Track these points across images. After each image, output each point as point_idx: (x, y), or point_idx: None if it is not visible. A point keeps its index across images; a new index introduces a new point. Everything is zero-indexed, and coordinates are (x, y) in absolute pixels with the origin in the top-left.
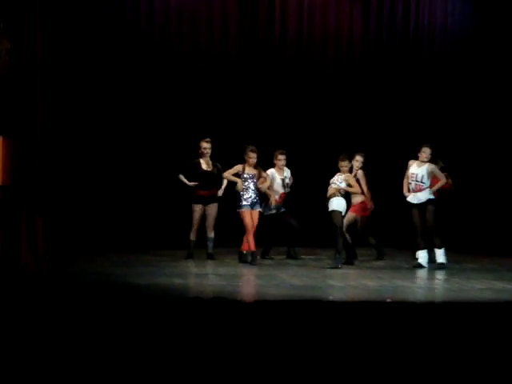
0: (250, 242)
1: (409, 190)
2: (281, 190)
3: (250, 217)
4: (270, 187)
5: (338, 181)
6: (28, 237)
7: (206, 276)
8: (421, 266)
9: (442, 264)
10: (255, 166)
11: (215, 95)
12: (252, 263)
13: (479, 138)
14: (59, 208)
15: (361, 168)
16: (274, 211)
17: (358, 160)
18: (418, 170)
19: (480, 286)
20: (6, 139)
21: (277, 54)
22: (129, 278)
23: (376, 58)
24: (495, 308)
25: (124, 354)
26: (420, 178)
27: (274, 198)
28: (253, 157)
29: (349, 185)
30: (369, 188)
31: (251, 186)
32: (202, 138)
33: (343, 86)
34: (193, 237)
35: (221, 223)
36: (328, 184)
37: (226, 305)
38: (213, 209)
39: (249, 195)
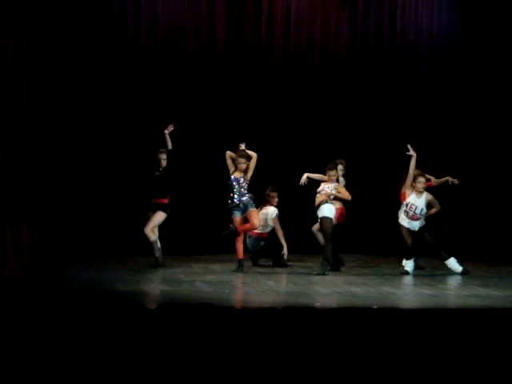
0: (237, 250)
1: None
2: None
3: (242, 222)
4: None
5: (329, 188)
6: (13, 243)
7: (193, 283)
8: (407, 273)
9: (465, 271)
10: (245, 171)
11: (202, 102)
12: (237, 270)
13: (467, 144)
14: (45, 215)
15: (342, 175)
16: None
17: (340, 168)
18: (417, 201)
19: (465, 293)
20: None
21: (263, 61)
22: (115, 285)
23: (362, 64)
24: (479, 314)
25: (111, 362)
26: (419, 210)
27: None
28: (242, 162)
29: (338, 192)
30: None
31: (239, 189)
32: (191, 144)
33: (329, 93)
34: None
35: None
36: (315, 193)
37: (213, 311)
38: (155, 215)
39: (236, 200)
